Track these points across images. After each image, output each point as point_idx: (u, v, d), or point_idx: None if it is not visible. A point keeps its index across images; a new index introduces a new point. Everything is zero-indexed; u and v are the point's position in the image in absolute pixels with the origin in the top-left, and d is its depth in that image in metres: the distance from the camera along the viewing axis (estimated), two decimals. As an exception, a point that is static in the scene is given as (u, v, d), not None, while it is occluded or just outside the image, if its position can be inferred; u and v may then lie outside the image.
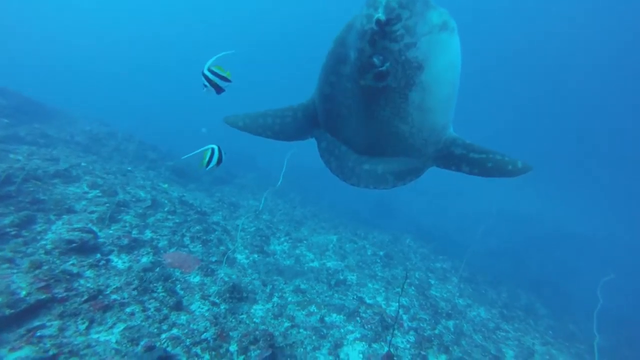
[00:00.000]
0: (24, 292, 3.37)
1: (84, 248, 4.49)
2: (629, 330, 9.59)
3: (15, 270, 3.67)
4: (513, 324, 7.17)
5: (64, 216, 5.11)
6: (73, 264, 4.13)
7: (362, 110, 2.51)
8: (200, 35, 57.87)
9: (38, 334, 3.07)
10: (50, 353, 2.89)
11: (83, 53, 52.07)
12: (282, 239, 7.88)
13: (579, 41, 31.07)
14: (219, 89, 2.89)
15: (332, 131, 2.93)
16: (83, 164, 7.36)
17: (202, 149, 3.30)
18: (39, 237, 4.48)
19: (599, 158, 36.81)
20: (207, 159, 3.29)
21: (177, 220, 6.34)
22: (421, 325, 5.73)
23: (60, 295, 3.51)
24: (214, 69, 2.82)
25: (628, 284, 12.36)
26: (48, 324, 3.22)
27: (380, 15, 2.08)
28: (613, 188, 34.29)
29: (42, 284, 3.53)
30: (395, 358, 4.58)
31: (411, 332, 5.39)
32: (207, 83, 2.82)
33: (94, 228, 5.01)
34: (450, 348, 5.20)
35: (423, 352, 4.90)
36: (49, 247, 4.30)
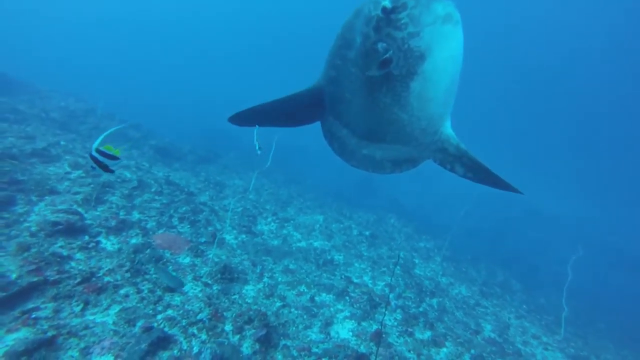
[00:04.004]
0: (14, 275, 3.29)
1: (71, 230, 4.39)
2: (590, 301, 10.37)
3: (2, 253, 3.57)
4: (491, 300, 7.58)
5: (47, 197, 4.95)
6: (62, 246, 4.05)
7: (364, 96, 2.53)
8: (185, 13, 55.43)
9: (33, 315, 3.04)
10: (49, 334, 2.87)
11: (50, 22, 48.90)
12: (269, 219, 7.92)
13: (552, 27, 31.68)
14: (107, 169, 2.84)
15: (335, 114, 2.95)
16: (62, 142, 7.08)
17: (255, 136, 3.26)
18: (21, 219, 4.34)
19: (570, 144, 38.46)
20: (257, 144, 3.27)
21: (165, 201, 6.26)
22: (407, 303, 5.97)
23: (52, 278, 3.45)
24: (102, 148, 2.75)
25: (593, 259, 13.22)
26: (42, 306, 3.18)
27: (387, 2, 2.10)
28: (583, 171, 36.04)
29: (33, 266, 3.46)
30: (384, 335, 4.79)
31: (398, 310, 5.61)
32: (94, 165, 2.77)
33: (80, 209, 4.89)
34: (435, 324, 5.47)
35: (410, 329, 5.14)
36: (33, 229, 4.18)
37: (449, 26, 2.23)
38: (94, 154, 2.73)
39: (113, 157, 2.81)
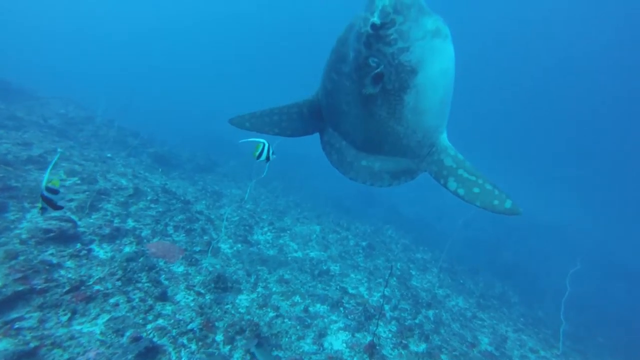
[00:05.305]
0: (-1, 284, 3.25)
1: (63, 237, 4.34)
2: (590, 314, 10.23)
3: (-11, 261, 3.53)
4: (489, 312, 7.48)
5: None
6: (52, 254, 4.00)
7: (360, 109, 2.58)
8: (189, 21, 56.13)
9: (16, 325, 2.98)
10: (31, 345, 2.81)
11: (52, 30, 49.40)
12: (266, 229, 7.87)
13: (552, 29, 31.93)
14: (55, 206, 2.70)
15: (333, 125, 3.00)
16: (59, 149, 7.08)
17: (253, 139, 3.23)
18: (12, 226, 4.30)
19: (570, 155, 38.56)
20: (258, 152, 3.22)
21: (160, 209, 6.22)
22: (402, 315, 5.89)
23: (39, 287, 3.40)
24: (48, 185, 2.60)
25: (593, 271, 13.10)
26: (27, 315, 3.12)
27: (376, 19, 2.13)
28: (581, 182, 36.03)
29: (19, 275, 3.41)
30: (377, 347, 4.71)
31: (393, 322, 5.53)
32: (46, 205, 2.62)
33: (74, 217, 4.85)
34: (430, 337, 5.38)
35: (404, 341, 5.06)
36: (24, 236, 4.14)
37: (438, 40, 2.27)
38: (45, 193, 2.56)
39: (55, 191, 2.65)
